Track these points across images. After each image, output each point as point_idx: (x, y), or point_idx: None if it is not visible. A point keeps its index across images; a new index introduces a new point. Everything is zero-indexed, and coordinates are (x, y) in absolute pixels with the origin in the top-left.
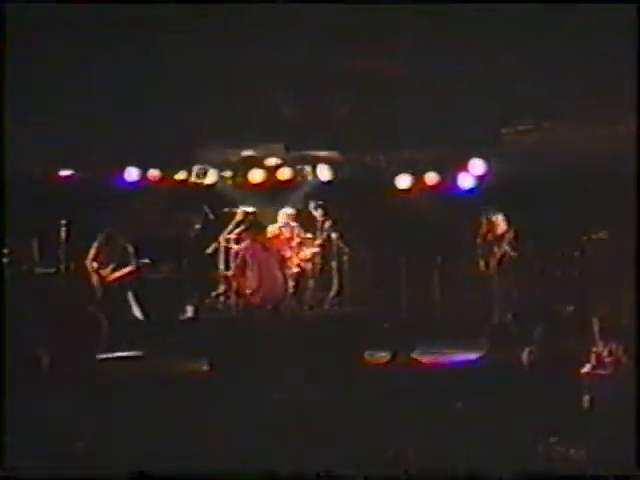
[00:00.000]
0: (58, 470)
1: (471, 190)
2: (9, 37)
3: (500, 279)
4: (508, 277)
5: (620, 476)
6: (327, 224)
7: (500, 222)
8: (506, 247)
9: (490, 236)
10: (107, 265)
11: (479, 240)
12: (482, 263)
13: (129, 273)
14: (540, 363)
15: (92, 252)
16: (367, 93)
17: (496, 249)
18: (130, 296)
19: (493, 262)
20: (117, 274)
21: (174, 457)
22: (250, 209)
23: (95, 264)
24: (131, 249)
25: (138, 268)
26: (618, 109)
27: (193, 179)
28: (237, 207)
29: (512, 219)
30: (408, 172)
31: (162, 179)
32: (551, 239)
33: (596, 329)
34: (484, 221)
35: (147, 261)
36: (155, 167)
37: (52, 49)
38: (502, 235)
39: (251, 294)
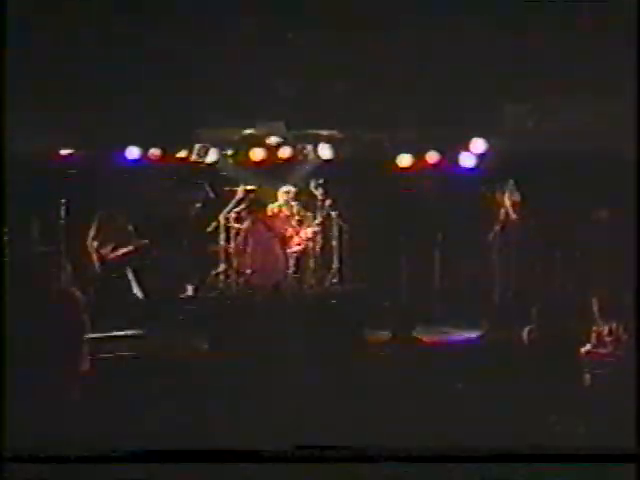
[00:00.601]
0: (59, 449)
1: (472, 169)
2: (9, 16)
3: (497, 253)
4: (505, 251)
5: (620, 454)
6: (328, 203)
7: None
8: (509, 209)
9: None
10: (107, 244)
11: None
12: (481, 234)
13: (129, 252)
14: (540, 342)
15: (92, 231)
16: (367, 71)
17: (501, 215)
18: (130, 275)
19: (497, 229)
20: (117, 253)
21: (175, 435)
22: (251, 187)
23: (95, 243)
24: (131, 228)
25: (137, 248)
26: (618, 88)
27: (194, 158)
28: (238, 185)
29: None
30: (409, 151)
31: (163, 158)
32: (551, 218)
33: (596, 308)
34: (498, 192)
35: (146, 241)
36: (156, 146)
37: (52, 27)
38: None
39: (251, 273)
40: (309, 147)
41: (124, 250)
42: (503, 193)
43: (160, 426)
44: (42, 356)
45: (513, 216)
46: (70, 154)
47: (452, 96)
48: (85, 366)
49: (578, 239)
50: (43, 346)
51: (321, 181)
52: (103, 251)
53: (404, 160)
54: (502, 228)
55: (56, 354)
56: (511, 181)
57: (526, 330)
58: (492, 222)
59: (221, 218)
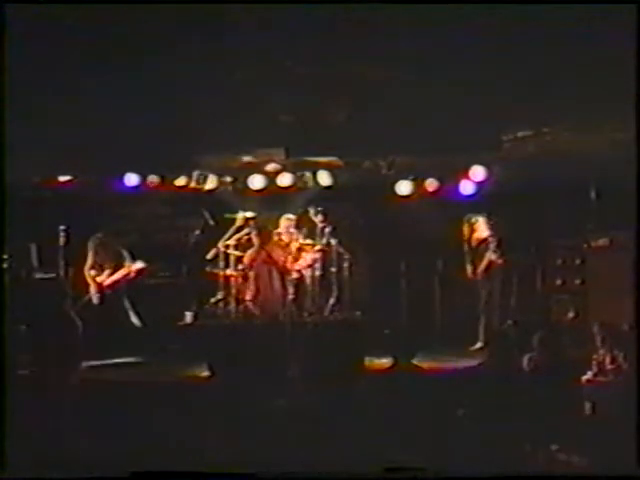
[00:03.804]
0: (57, 473)
1: (471, 196)
2: (9, 40)
3: (488, 285)
4: (497, 283)
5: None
6: (327, 230)
7: (481, 225)
8: (492, 254)
9: (474, 241)
10: (103, 271)
11: (465, 245)
12: (469, 268)
13: (124, 275)
14: (540, 370)
15: (89, 261)
16: (367, 99)
17: (485, 255)
18: (127, 303)
19: (481, 268)
20: (113, 277)
21: (174, 462)
22: (250, 215)
23: (92, 272)
24: (126, 254)
25: (132, 271)
26: (618, 114)
27: (193, 185)
28: (237, 213)
29: (513, 225)
30: (409, 178)
31: (162, 185)
32: (552, 246)
33: (597, 336)
34: (465, 224)
35: (142, 265)
36: (154, 172)
37: (52, 54)
38: (485, 240)
39: (250, 300)
40: (308, 174)
41: (119, 274)
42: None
43: (159, 453)
44: (40, 381)
45: (492, 257)
46: (69, 181)
47: (452, 123)
48: (82, 392)
49: (578, 267)
50: (42, 372)
51: (320, 208)
52: (99, 278)
53: (403, 187)
54: (496, 258)
55: (54, 380)
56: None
57: (526, 358)
58: (477, 248)
59: (220, 245)
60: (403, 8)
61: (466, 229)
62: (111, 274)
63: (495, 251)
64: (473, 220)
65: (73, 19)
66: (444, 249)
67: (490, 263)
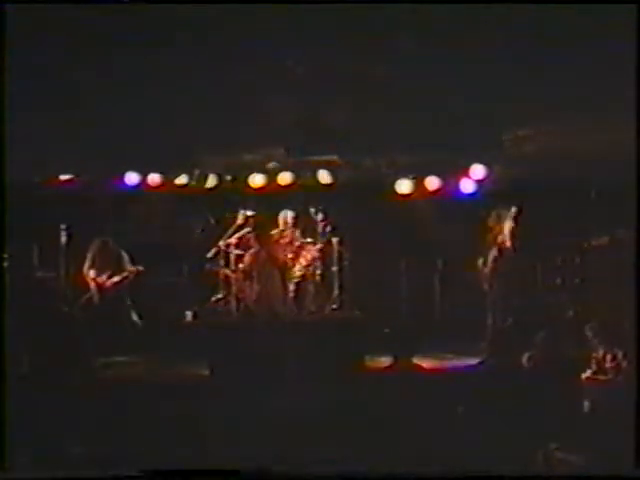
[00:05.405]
0: (57, 473)
1: (472, 195)
2: (9, 39)
3: (489, 283)
4: (497, 281)
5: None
6: (327, 228)
7: (506, 229)
8: (495, 252)
9: (491, 238)
10: (103, 273)
11: (484, 238)
12: (481, 260)
13: (123, 279)
14: (540, 368)
15: (88, 261)
16: (367, 98)
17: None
18: (128, 302)
19: (491, 259)
20: (112, 280)
21: (173, 460)
22: (250, 213)
23: (92, 272)
24: (126, 256)
25: (132, 274)
26: (618, 114)
27: (193, 183)
28: (237, 211)
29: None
30: (409, 176)
31: (162, 184)
32: (552, 244)
33: (596, 335)
34: (495, 220)
35: (140, 268)
36: (155, 171)
37: (52, 52)
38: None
39: (251, 299)
40: (309, 173)
41: (118, 277)
42: (500, 221)
43: (159, 451)
44: (41, 381)
45: (508, 244)
46: (69, 179)
47: (452, 122)
48: (83, 391)
49: (578, 265)
50: (42, 371)
51: (321, 207)
52: (100, 279)
53: (404, 186)
54: (499, 254)
55: (55, 379)
56: (513, 209)
57: (526, 356)
58: (489, 248)
59: (221, 244)
60: (403, 7)
61: (493, 222)
62: (110, 276)
63: (500, 249)
64: (506, 219)
65: (73, 19)
66: (444, 248)
67: (494, 261)
